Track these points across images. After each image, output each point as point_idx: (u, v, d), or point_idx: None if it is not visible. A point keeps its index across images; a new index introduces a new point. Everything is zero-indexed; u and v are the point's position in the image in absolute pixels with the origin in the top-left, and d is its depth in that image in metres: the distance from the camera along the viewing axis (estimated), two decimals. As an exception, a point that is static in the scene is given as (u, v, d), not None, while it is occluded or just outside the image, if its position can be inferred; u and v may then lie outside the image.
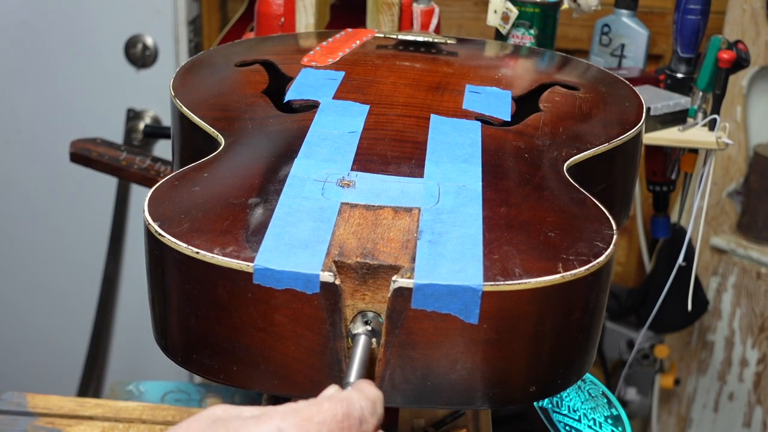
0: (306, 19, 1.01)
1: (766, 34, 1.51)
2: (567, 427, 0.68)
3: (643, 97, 0.73)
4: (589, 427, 0.69)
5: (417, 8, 1.06)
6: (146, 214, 0.50)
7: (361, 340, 0.47)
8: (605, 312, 0.54)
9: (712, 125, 0.98)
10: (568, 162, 0.60)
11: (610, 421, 0.70)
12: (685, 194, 1.16)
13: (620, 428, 0.70)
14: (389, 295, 0.46)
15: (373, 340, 0.47)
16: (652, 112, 0.96)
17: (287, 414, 0.39)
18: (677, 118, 0.99)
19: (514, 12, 1.02)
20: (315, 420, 0.39)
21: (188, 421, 0.40)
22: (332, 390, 0.43)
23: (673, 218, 1.34)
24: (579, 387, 0.72)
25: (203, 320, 0.49)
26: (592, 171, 0.62)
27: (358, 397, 0.41)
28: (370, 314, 0.48)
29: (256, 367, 0.49)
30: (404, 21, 1.06)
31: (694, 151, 1.07)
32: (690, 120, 1.00)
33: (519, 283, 0.46)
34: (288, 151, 0.58)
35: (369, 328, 0.47)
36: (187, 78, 0.72)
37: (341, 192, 0.53)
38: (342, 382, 0.44)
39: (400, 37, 0.83)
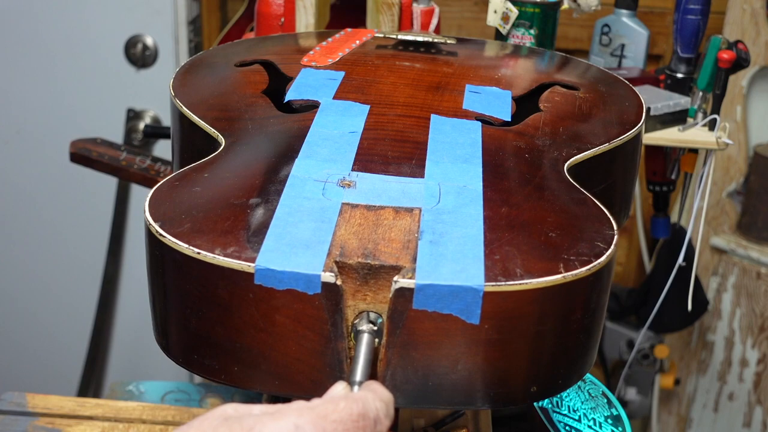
0: (306, 19, 1.01)
1: (766, 34, 1.51)
2: (567, 427, 0.68)
3: (643, 97, 0.73)
4: (589, 427, 0.69)
5: (417, 8, 1.06)
6: (147, 214, 0.50)
7: (365, 338, 0.47)
8: (606, 312, 0.54)
9: (712, 125, 0.98)
10: (568, 162, 0.60)
11: (610, 421, 0.70)
12: (685, 194, 1.16)
13: (620, 428, 0.70)
14: (390, 295, 0.46)
15: (375, 340, 0.47)
16: (652, 112, 0.96)
17: (303, 411, 0.39)
18: (677, 118, 0.99)
19: (514, 12, 1.01)
20: (331, 418, 0.39)
21: (199, 419, 0.40)
22: (340, 387, 0.43)
23: (673, 218, 1.34)
24: (579, 387, 0.72)
25: (204, 320, 0.49)
26: (592, 171, 0.62)
27: (373, 398, 0.41)
28: (372, 314, 0.48)
29: (257, 368, 0.49)
30: (404, 21, 1.06)
31: (694, 151, 1.07)
32: (690, 120, 1.00)
33: (520, 284, 0.46)
34: (288, 152, 0.58)
35: (374, 327, 0.47)
36: (187, 78, 0.72)
37: (342, 192, 0.53)
38: (349, 381, 0.44)
39: (400, 37, 0.83)
